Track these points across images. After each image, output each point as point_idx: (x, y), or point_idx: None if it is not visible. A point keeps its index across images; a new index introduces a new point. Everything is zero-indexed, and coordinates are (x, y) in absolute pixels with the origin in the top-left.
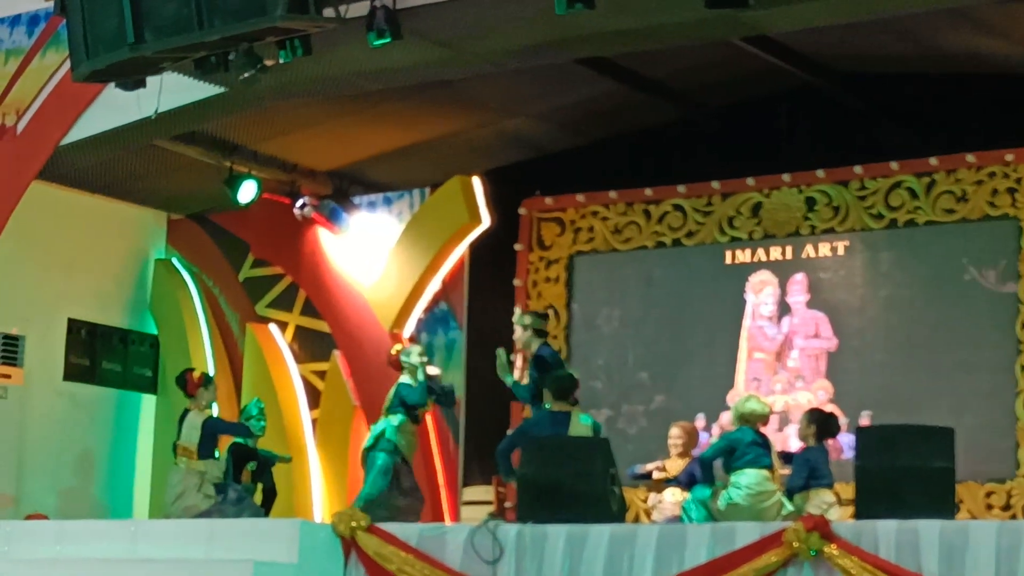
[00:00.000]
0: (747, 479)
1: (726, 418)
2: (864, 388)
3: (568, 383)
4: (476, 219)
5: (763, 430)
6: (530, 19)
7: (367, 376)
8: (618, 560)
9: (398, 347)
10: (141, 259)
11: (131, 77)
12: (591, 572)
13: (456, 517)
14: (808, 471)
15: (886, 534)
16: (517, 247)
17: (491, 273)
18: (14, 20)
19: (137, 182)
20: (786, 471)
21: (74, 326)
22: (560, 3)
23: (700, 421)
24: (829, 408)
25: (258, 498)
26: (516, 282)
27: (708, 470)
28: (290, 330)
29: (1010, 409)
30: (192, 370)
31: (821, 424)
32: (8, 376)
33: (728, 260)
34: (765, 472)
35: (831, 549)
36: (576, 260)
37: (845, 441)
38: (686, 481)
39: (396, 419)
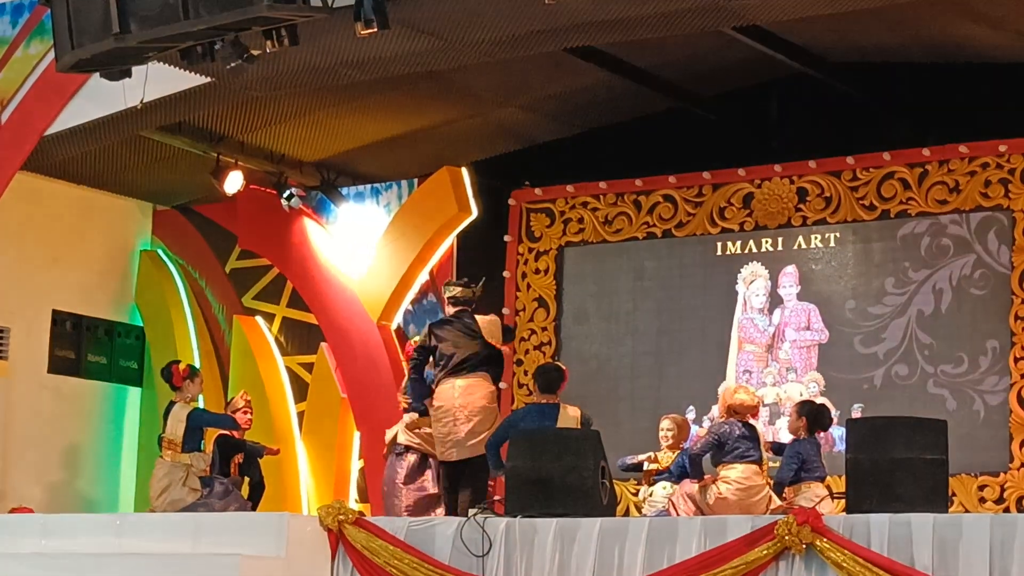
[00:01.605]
0: (736, 473)
1: (716, 410)
2: (856, 380)
3: (555, 375)
4: (465, 210)
5: (753, 422)
6: (519, 8)
7: (354, 368)
8: (608, 554)
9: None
10: (127, 251)
11: (116, 67)
12: (581, 566)
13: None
14: (799, 463)
15: (878, 528)
16: (506, 238)
17: (480, 264)
18: None
19: (122, 173)
20: (776, 463)
21: (59, 318)
22: None
23: (691, 413)
24: (820, 400)
25: (245, 491)
26: (505, 274)
27: (697, 465)
28: (277, 322)
29: (1003, 401)
30: (178, 362)
31: (812, 416)
32: None
33: (719, 251)
34: (754, 467)
35: (823, 543)
36: (566, 251)
37: (836, 434)
38: (677, 474)
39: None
